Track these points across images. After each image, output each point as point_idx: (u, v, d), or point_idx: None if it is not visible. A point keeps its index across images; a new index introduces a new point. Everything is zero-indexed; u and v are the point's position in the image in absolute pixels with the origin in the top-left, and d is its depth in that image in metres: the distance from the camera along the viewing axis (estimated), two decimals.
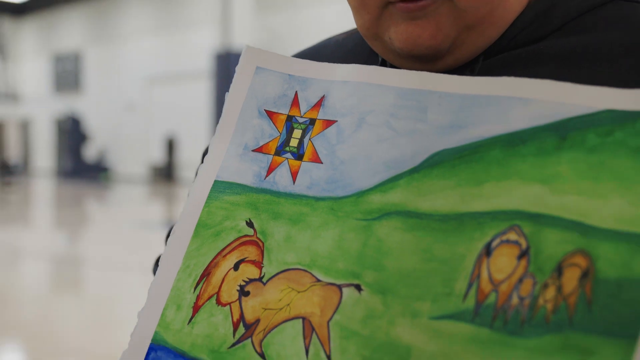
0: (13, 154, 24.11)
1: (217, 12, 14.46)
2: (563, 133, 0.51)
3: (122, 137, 19.30)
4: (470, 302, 0.50)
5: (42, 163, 23.15)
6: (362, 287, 0.55)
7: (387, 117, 0.59)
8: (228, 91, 0.67)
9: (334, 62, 0.65)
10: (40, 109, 21.85)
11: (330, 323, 0.55)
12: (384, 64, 0.68)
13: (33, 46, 23.67)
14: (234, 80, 0.67)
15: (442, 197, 0.54)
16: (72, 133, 18.36)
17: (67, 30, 21.71)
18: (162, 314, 0.62)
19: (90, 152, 19.11)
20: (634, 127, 0.48)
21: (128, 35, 19.15)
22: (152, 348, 0.61)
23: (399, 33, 0.61)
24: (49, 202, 15.19)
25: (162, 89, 17.74)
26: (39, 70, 22.91)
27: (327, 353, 0.54)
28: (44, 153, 23.02)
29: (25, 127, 23.56)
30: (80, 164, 19.60)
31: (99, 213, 13.29)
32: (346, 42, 0.75)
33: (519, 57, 0.61)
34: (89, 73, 20.88)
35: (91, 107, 19.95)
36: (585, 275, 0.46)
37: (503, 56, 0.62)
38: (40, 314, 5.30)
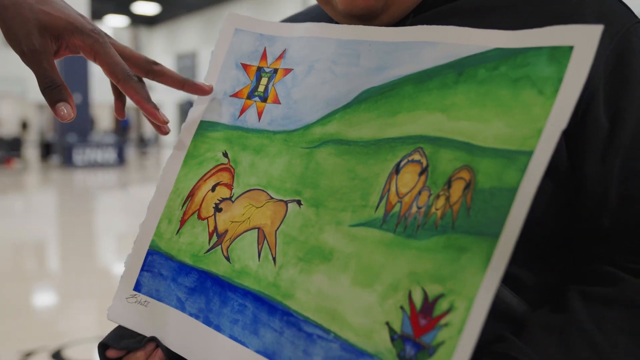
0: (148, 130, 24.90)
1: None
2: (460, 69, 0.48)
3: None
4: (380, 212, 0.48)
5: (169, 137, 23.93)
6: (302, 202, 0.53)
7: (329, 63, 0.56)
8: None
9: None
10: (167, 96, 22.37)
11: (277, 232, 0.53)
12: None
13: (161, 48, 24.32)
14: (218, 40, 0.65)
15: (366, 127, 0.52)
16: None
17: (187, 35, 22.17)
18: (157, 226, 0.61)
19: None
20: (515, 61, 0.45)
21: None
22: (149, 253, 0.61)
23: None
24: None
25: None
26: (166, 66, 23.56)
27: (273, 255, 0.52)
28: (170, 129, 23.79)
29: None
30: None
31: None
32: (313, 10, 0.72)
33: (441, 13, 0.57)
34: (203, 68, 21.30)
35: None
36: (467, 186, 0.43)
37: (428, 13, 0.58)
38: None
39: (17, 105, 23.72)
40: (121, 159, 13.68)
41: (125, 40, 24.61)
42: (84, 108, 13.18)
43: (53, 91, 0.55)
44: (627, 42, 0.51)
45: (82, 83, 12.95)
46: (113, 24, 22.64)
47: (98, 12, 19.84)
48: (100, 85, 14.44)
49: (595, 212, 0.51)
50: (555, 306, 0.49)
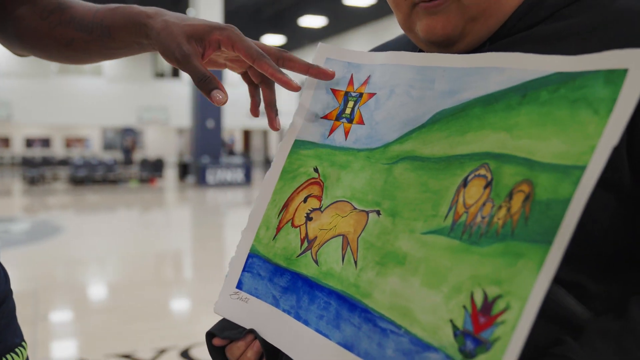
0: (273, 153, 25.85)
1: None
2: (524, 92, 0.50)
3: None
4: (449, 221, 0.50)
5: None
6: (381, 212, 0.56)
7: (407, 88, 0.59)
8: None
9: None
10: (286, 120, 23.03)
11: (359, 238, 0.57)
12: (421, 51, 0.68)
13: None
14: None
15: (438, 145, 0.54)
16: None
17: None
18: (257, 233, 0.67)
19: None
20: (574, 84, 0.46)
21: None
22: (249, 256, 0.67)
23: (421, 26, 0.61)
24: None
25: None
26: None
27: (355, 259, 0.56)
28: (280, 126, 24.17)
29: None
30: None
31: None
32: (401, 38, 0.75)
33: (516, 41, 0.59)
34: None
35: None
36: (527, 198, 0.45)
37: (504, 41, 0.60)
38: None
39: (160, 131, 25.65)
40: (248, 179, 14.35)
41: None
42: (216, 132, 14.03)
43: (205, 82, 0.63)
44: None
45: (216, 111, 13.81)
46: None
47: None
48: (230, 114, 15.16)
49: None
50: (617, 314, 0.49)
